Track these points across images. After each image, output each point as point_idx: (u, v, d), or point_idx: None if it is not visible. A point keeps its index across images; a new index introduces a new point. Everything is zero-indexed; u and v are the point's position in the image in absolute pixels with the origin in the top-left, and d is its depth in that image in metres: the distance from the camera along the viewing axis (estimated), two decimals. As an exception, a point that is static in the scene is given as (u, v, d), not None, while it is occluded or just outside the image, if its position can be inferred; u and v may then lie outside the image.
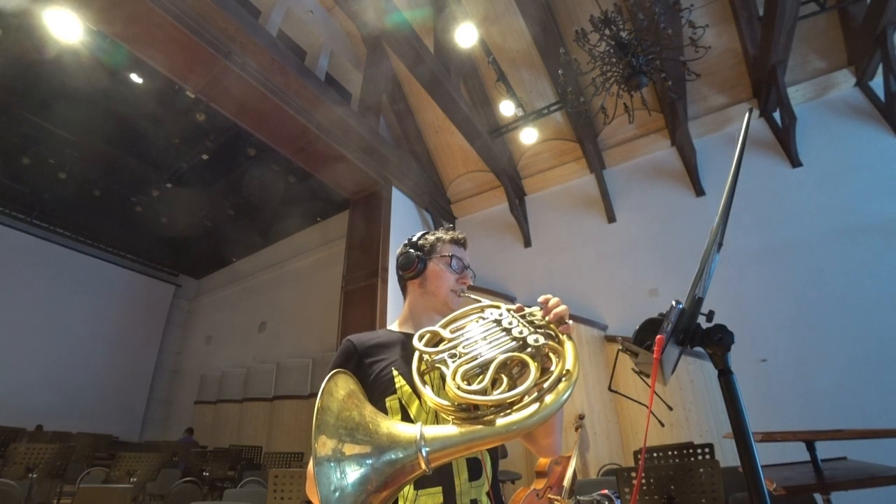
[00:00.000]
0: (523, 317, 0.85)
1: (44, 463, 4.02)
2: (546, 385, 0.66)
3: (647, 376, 0.79)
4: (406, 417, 0.91)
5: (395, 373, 0.96)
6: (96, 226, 10.68)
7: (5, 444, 4.55)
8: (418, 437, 0.62)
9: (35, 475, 3.93)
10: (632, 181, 6.12)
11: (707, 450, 2.83)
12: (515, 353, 0.72)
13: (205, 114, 6.93)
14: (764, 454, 0.74)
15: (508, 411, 0.63)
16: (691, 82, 4.81)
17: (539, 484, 3.54)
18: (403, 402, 0.92)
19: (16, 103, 6.94)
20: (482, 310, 0.91)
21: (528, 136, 6.13)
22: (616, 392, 1.24)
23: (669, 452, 2.90)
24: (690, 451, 2.86)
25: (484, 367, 0.71)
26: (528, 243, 6.70)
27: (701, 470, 2.21)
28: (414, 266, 1.12)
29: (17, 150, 7.77)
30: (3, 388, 8.71)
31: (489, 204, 7.27)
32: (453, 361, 0.73)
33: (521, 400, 0.65)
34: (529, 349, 0.73)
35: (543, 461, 3.68)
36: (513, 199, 6.71)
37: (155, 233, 10.55)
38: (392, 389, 0.94)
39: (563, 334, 0.80)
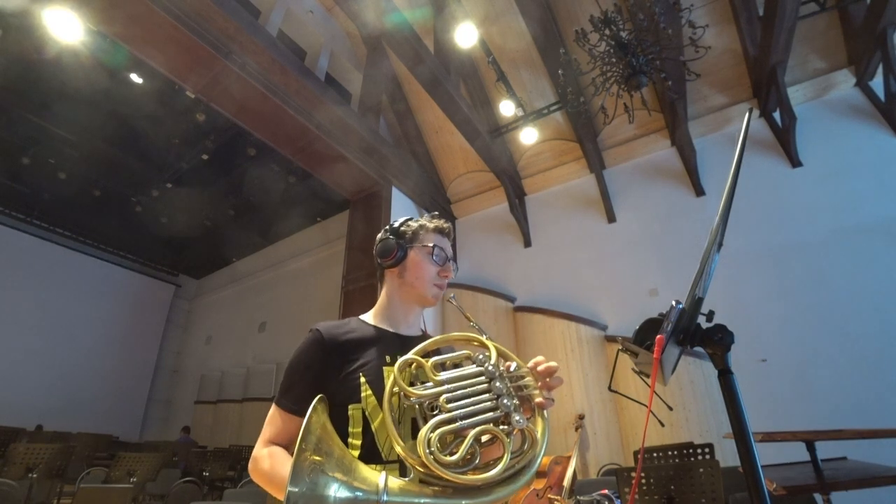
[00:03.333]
0: (511, 380, 0.81)
1: (44, 463, 4.02)
2: (516, 468, 0.69)
3: (647, 376, 0.79)
4: (367, 429, 0.87)
5: (362, 380, 0.90)
6: (96, 226, 10.67)
7: (5, 444, 4.55)
8: (382, 486, 0.64)
9: (35, 475, 3.92)
10: (632, 181, 6.12)
11: (707, 450, 2.82)
12: (493, 428, 0.72)
13: (205, 114, 6.92)
14: (764, 454, 0.74)
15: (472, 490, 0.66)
16: (691, 82, 4.80)
17: (539, 484, 3.54)
18: (367, 413, 0.88)
19: (16, 103, 6.94)
20: (470, 342, 0.89)
21: (528, 136, 6.13)
22: (616, 392, 1.24)
23: (669, 452, 2.90)
24: (690, 451, 2.86)
25: (460, 436, 0.71)
26: (528, 243, 6.70)
27: (701, 470, 2.21)
28: (393, 254, 1.05)
29: (17, 150, 7.76)
30: (3, 388, 8.71)
31: (489, 204, 7.27)
32: (431, 413, 0.73)
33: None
34: (508, 428, 0.73)
35: (543, 461, 3.68)
36: (513, 199, 6.71)
37: (155, 233, 10.54)
38: (357, 398, 0.89)
39: (539, 409, 0.79)
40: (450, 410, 0.71)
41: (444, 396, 0.73)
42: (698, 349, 0.75)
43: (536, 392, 0.80)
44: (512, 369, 0.84)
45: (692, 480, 2.20)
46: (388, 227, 1.12)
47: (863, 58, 4.70)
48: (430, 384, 0.77)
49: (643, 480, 2.29)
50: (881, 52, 4.44)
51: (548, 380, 0.83)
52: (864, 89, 4.89)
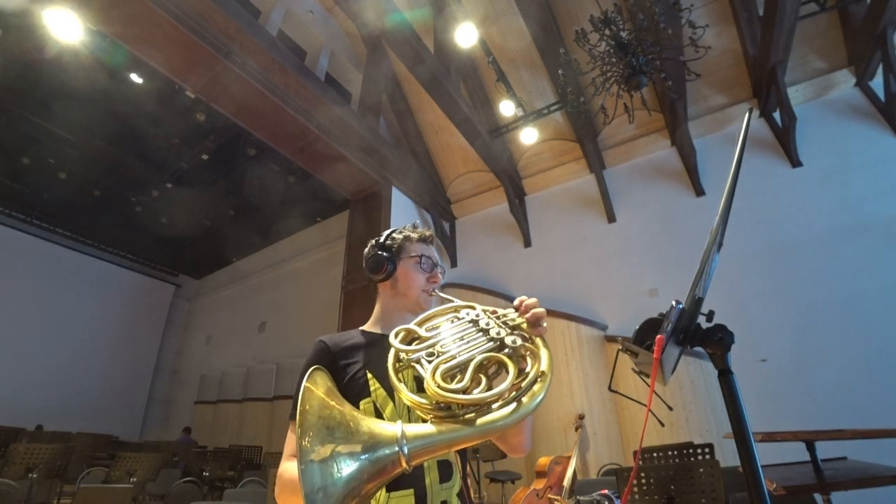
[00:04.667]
0: (498, 318, 0.86)
1: (44, 463, 4.02)
2: (523, 385, 0.68)
3: (647, 376, 0.79)
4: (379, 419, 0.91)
5: (369, 375, 0.96)
6: (96, 226, 10.68)
7: (5, 444, 4.56)
8: (399, 434, 0.63)
9: (35, 475, 3.93)
10: (632, 181, 6.12)
11: (707, 450, 2.82)
12: (493, 354, 0.74)
13: (205, 114, 6.92)
14: (764, 454, 0.74)
15: (487, 411, 0.65)
16: (691, 82, 4.81)
17: (539, 484, 3.55)
18: (378, 404, 0.92)
19: (16, 103, 6.94)
20: (457, 310, 0.92)
21: (528, 136, 6.13)
22: (616, 392, 1.24)
23: (669, 452, 2.90)
24: (690, 451, 2.86)
25: (463, 367, 0.71)
26: (528, 243, 6.70)
27: (701, 470, 2.21)
28: (384, 268, 1.11)
29: (17, 150, 7.77)
30: (3, 388, 8.72)
31: (489, 204, 7.27)
32: (430, 360, 0.74)
33: (499, 400, 0.66)
34: (507, 350, 0.75)
35: (543, 461, 3.69)
36: (513, 199, 6.71)
37: (155, 233, 10.55)
38: (366, 392, 0.93)
39: (536, 335, 0.81)
40: (447, 352, 0.75)
41: (439, 344, 0.78)
42: (698, 349, 0.75)
43: (525, 325, 0.84)
44: (498, 313, 0.89)
45: (692, 480, 2.20)
46: (373, 242, 1.18)
47: (863, 58, 4.70)
48: (426, 341, 0.82)
49: (643, 480, 2.29)
50: (881, 52, 4.44)
51: (529, 313, 0.86)
52: (864, 89, 4.89)
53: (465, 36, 5.07)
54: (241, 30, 4.03)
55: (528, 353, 0.76)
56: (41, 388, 9.39)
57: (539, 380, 0.69)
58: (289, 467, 0.87)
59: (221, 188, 9.22)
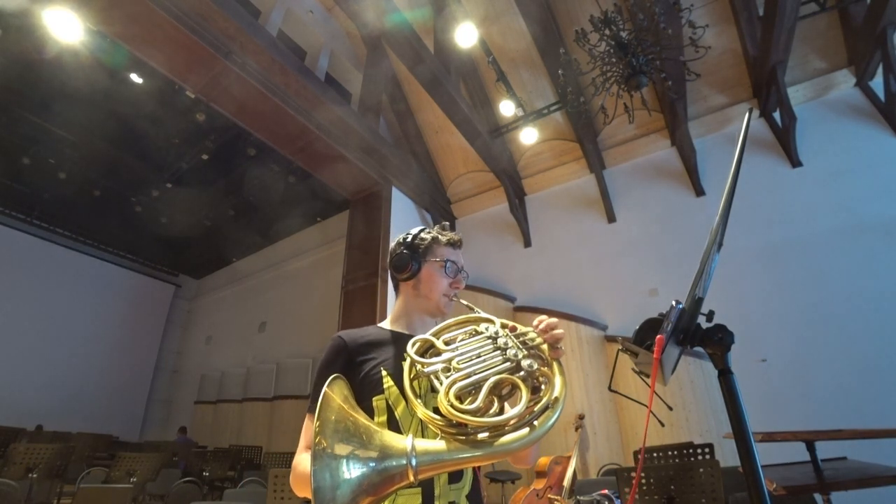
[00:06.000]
0: (517, 336, 0.86)
1: (44, 463, 4.03)
2: (535, 410, 0.69)
3: (647, 376, 0.79)
4: (391, 418, 0.92)
5: (384, 373, 0.97)
6: (96, 226, 10.67)
7: (5, 444, 4.56)
8: (409, 448, 0.64)
9: (35, 475, 3.93)
10: (632, 181, 6.12)
11: (707, 450, 2.83)
12: (508, 376, 0.74)
13: (205, 114, 6.92)
14: (764, 454, 0.74)
15: (499, 433, 0.66)
16: (691, 82, 4.80)
17: (539, 484, 3.55)
18: (390, 402, 0.93)
19: (16, 103, 6.93)
20: (476, 322, 0.93)
21: (528, 136, 6.12)
22: (616, 392, 1.25)
23: (669, 452, 2.90)
24: (690, 451, 2.86)
25: (477, 387, 0.72)
26: (528, 243, 6.70)
27: (701, 470, 2.21)
28: (408, 268, 1.11)
29: (17, 150, 7.76)
30: (3, 388, 8.71)
31: (489, 204, 7.27)
32: (447, 376, 0.75)
33: (509, 423, 0.67)
34: (522, 373, 0.75)
35: (543, 461, 3.69)
36: (513, 199, 6.71)
37: (155, 233, 10.53)
38: (380, 389, 0.94)
39: (553, 359, 0.82)
40: (463, 369, 0.75)
41: (455, 360, 0.78)
42: (698, 349, 0.75)
43: (545, 345, 0.84)
44: (517, 331, 0.89)
45: (692, 480, 2.20)
46: (401, 240, 1.18)
47: (863, 58, 4.70)
48: (442, 354, 0.82)
49: (643, 480, 2.29)
50: (881, 52, 4.44)
51: (548, 335, 0.86)
52: (864, 89, 4.89)
53: (465, 36, 5.07)
54: (241, 30, 4.03)
55: (543, 377, 0.76)
56: (41, 388, 9.39)
57: (551, 406, 0.70)
58: (303, 460, 0.88)
59: (221, 188, 9.21)
